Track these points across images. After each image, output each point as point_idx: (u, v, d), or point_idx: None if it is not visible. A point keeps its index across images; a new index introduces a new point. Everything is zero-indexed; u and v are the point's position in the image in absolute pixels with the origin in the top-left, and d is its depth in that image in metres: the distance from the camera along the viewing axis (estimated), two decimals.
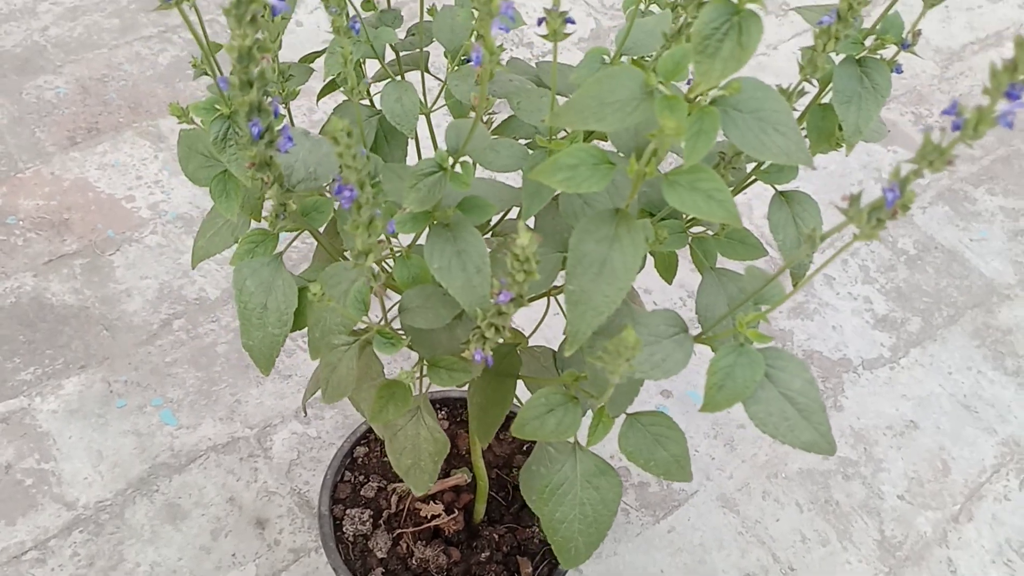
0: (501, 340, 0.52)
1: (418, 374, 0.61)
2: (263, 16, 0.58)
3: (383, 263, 0.64)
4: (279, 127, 0.46)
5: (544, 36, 0.51)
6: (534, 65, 0.74)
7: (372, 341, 0.56)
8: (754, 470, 1.23)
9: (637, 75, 0.48)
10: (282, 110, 0.50)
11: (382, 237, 0.48)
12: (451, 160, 0.52)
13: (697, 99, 0.46)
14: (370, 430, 0.96)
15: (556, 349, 0.68)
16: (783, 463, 1.24)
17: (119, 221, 1.39)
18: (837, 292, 1.43)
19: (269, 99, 0.44)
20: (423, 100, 0.69)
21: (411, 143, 0.70)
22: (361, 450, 0.95)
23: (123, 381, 1.23)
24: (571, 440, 0.61)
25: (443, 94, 0.71)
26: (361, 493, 0.93)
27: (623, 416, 0.60)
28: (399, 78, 0.69)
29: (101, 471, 1.15)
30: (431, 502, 0.91)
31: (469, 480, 0.91)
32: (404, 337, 0.55)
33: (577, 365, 0.63)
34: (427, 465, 0.64)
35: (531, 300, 0.75)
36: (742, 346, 0.52)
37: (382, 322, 0.58)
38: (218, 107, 0.51)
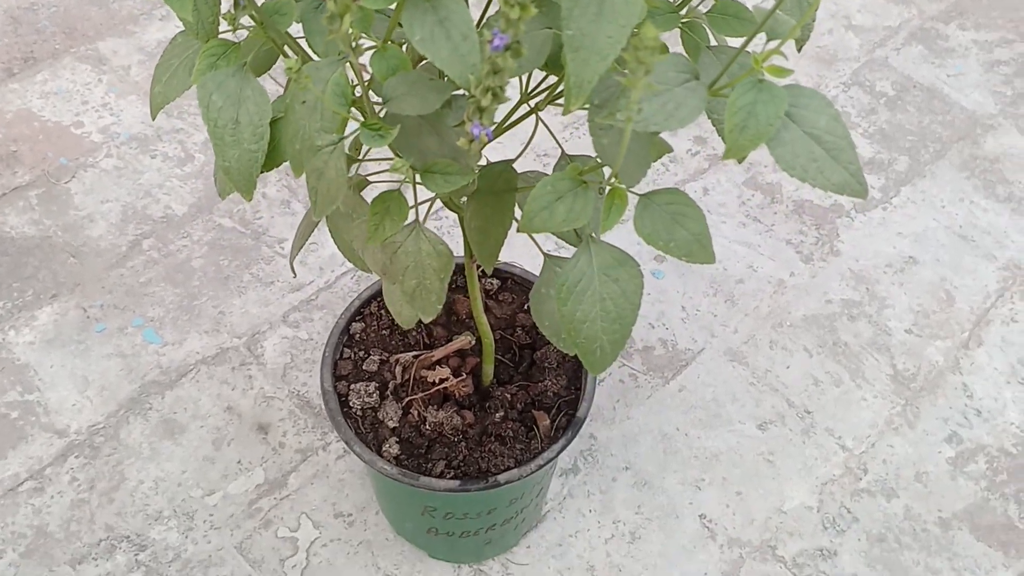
0: (496, 110, 0.47)
1: (410, 196, 0.56)
2: None
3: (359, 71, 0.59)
4: None
5: None
6: None
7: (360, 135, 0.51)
8: (758, 322, 1.21)
9: None
10: None
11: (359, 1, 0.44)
12: None
13: None
14: (364, 304, 0.91)
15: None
16: (786, 312, 1.22)
17: (70, 148, 1.32)
18: None
19: None
20: None
21: None
22: (357, 326, 0.91)
23: (99, 305, 1.17)
24: (584, 231, 0.57)
25: None
26: (363, 368, 0.89)
27: (635, 201, 0.57)
28: None
29: (89, 396, 1.10)
30: (437, 368, 0.87)
31: (473, 342, 0.88)
32: (392, 128, 0.51)
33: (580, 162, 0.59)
34: (433, 284, 0.59)
35: (518, 120, 0.70)
36: (761, 82, 0.48)
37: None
38: None
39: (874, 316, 1.22)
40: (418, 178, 0.56)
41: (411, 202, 0.59)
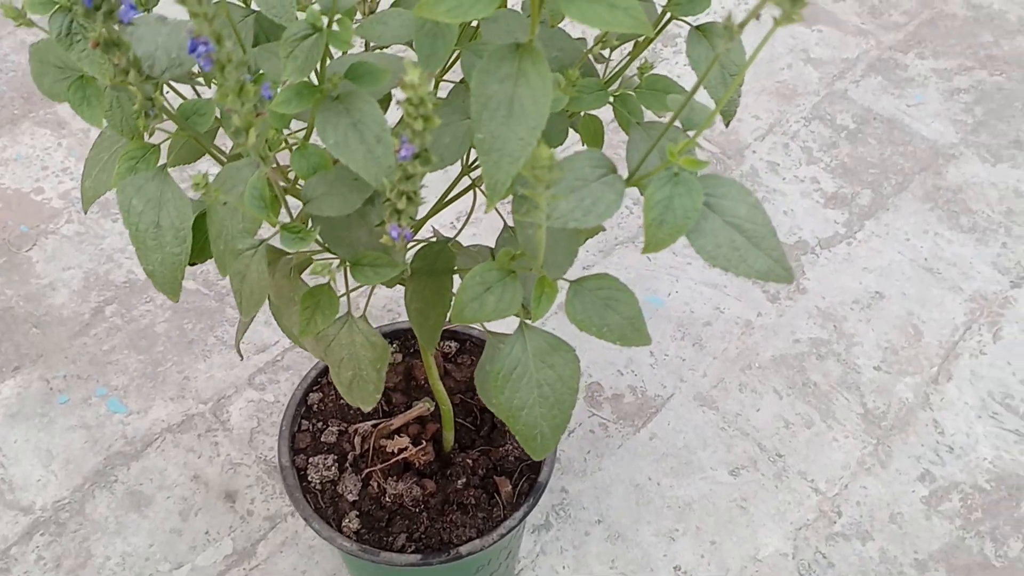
0: (414, 212, 0.47)
1: (342, 284, 0.56)
2: None
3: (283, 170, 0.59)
4: None
5: None
6: None
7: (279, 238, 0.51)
8: (726, 365, 1.21)
9: None
10: None
11: (266, 113, 0.43)
12: (325, 19, 0.47)
13: None
14: (321, 375, 0.91)
15: (492, 246, 0.63)
16: (755, 353, 1.22)
17: (31, 215, 1.32)
18: (783, 177, 1.40)
19: None
20: None
21: None
22: (315, 396, 0.90)
23: (62, 376, 1.16)
24: (516, 319, 0.57)
25: None
26: (322, 439, 0.88)
27: (567, 286, 0.56)
28: None
29: (54, 470, 1.09)
30: (396, 436, 0.86)
31: (432, 409, 0.87)
32: (312, 229, 0.50)
33: (513, 246, 0.59)
34: (369, 375, 0.59)
35: (455, 197, 0.70)
36: (676, 175, 0.48)
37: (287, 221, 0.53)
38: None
39: (843, 354, 1.21)
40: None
41: (345, 289, 0.58)
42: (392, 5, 0.62)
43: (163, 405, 1.15)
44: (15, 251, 1.28)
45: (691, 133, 0.49)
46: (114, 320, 1.21)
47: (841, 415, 1.16)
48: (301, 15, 0.60)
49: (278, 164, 0.50)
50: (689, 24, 0.59)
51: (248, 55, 0.40)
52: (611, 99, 0.62)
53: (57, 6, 0.45)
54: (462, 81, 0.58)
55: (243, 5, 0.64)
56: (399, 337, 0.93)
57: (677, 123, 0.54)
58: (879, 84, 1.53)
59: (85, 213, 0.62)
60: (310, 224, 0.54)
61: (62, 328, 1.21)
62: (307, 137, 0.54)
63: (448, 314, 0.65)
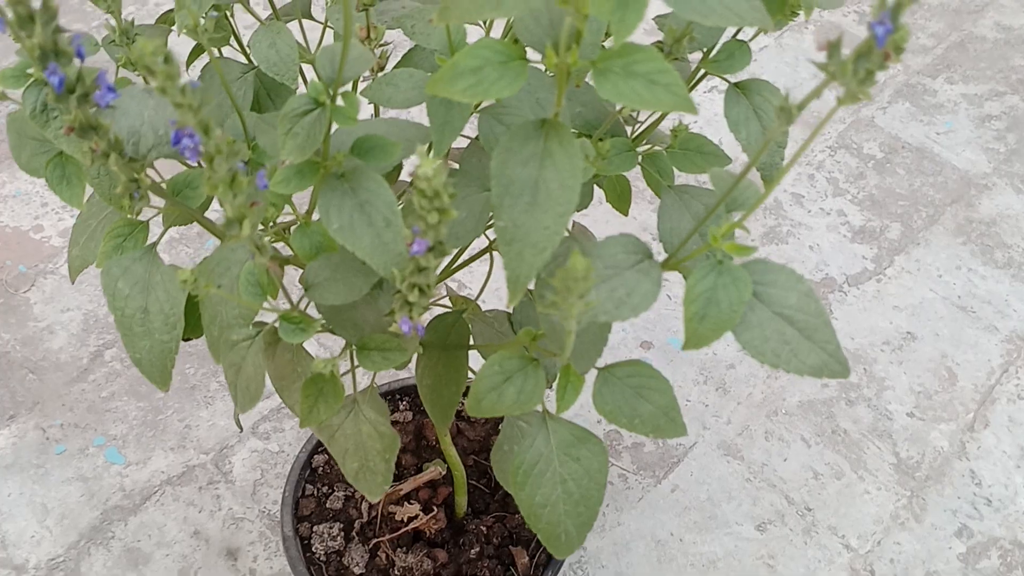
0: (428, 304, 0.42)
1: (348, 362, 0.51)
2: None
3: (283, 234, 0.54)
4: (96, 76, 0.35)
5: None
6: None
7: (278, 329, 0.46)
8: (751, 411, 1.15)
9: None
10: (87, 51, 0.39)
11: (262, 201, 0.38)
12: (329, 92, 0.42)
13: None
14: None
15: (511, 311, 0.58)
16: (781, 399, 1.16)
17: (29, 254, 1.27)
18: (808, 210, 1.35)
19: (69, 36, 0.34)
20: (304, 44, 0.59)
21: None
22: (320, 458, 0.85)
23: (58, 425, 1.12)
24: (539, 409, 0.52)
25: (325, 36, 0.61)
26: (327, 506, 0.83)
27: (594, 372, 0.51)
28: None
29: (48, 526, 1.04)
30: (406, 503, 0.81)
31: (444, 472, 0.82)
32: (315, 320, 0.45)
33: (535, 322, 0.54)
34: (378, 465, 0.54)
35: (472, 258, 0.65)
36: (720, 263, 0.42)
37: (287, 306, 0.48)
38: (31, 72, 0.41)
39: (873, 399, 1.16)
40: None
41: (350, 369, 0.53)
42: (401, 61, 0.57)
43: (163, 455, 1.10)
44: (13, 292, 1.23)
45: (736, 213, 0.44)
46: (113, 365, 1.17)
47: (873, 465, 1.10)
48: (309, 70, 0.55)
49: (276, 252, 0.45)
50: (727, 81, 0.54)
51: (240, 145, 0.35)
52: (640, 159, 0.57)
53: (32, 80, 0.41)
54: (477, 138, 0.53)
55: (243, 60, 0.59)
56: (408, 394, 0.88)
57: (706, 183, 0.49)
58: (907, 111, 1.47)
59: (72, 283, 0.58)
60: (306, 303, 0.49)
61: (59, 373, 1.16)
62: (309, 214, 0.49)
63: (462, 391, 0.60)
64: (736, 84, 0.54)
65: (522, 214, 0.41)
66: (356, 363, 0.51)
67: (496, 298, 1.12)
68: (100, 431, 1.11)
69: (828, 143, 1.43)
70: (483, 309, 0.64)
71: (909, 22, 1.60)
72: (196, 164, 0.35)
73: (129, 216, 0.45)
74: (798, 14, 0.51)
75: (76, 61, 0.34)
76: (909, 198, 1.36)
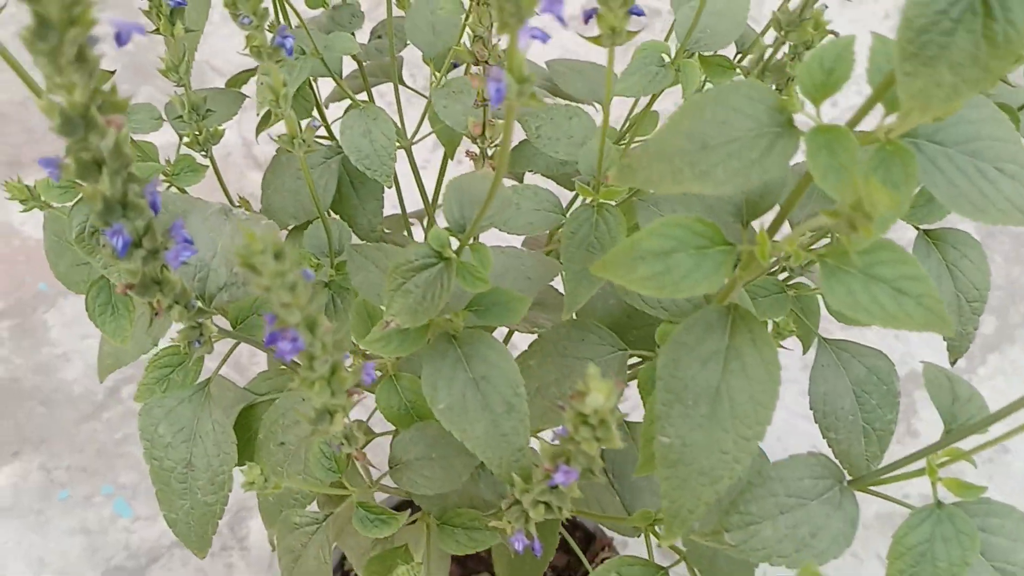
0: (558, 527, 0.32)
1: (423, 541, 0.41)
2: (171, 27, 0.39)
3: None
4: (169, 228, 0.26)
5: (592, 39, 0.32)
6: (543, 65, 0.55)
7: (352, 516, 0.36)
8: None
9: (762, 94, 0.28)
10: (162, 192, 0.30)
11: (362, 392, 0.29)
12: (455, 243, 0.33)
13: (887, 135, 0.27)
14: None
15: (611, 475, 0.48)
16: None
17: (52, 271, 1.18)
18: None
19: (144, 187, 0.24)
20: (400, 127, 0.49)
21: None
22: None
23: (64, 467, 1.03)
24: None
25: (427, 117, 0.52)
26: None
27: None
28: (363, 99, 0.50)
29: None
30: None
31: None
32: (398, 516, 0.36)
33: (648, 499, 0.44)
34: None
35: None
36: (939, 507, 0.33)
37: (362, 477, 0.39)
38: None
39: None
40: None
41: (425, 550, 0.44)
42: (515, 149, 0.48)
43: None
44: (31, 312, 1.15)
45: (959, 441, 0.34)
46: (130, 404, 1.08)
47: None
48: (401, 155, 0.46)
49: (368, 429, 0.36)
50: (918, 229, 0.44)
51: (345, 336, 0.26)
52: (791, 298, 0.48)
53: (80, 197, 0.31)
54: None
55: (328, 137, 0.50)
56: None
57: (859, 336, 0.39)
58: None
59: (101, 382, 0.49)
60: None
61: (71, 408, 1.07)
62: (398, 361, 0.39)
63: (548, 561, 0.50)
64: (926, 232, 0.44)
65: (694, 431, 0.31)
66: (431, 544, 0.42)
67: None
68: (109, 478, 1.02)
69: None
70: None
71: None
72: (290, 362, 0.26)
73: (185, 352, 0.36)
74: None
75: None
76: (1005, 288, 1.25)
